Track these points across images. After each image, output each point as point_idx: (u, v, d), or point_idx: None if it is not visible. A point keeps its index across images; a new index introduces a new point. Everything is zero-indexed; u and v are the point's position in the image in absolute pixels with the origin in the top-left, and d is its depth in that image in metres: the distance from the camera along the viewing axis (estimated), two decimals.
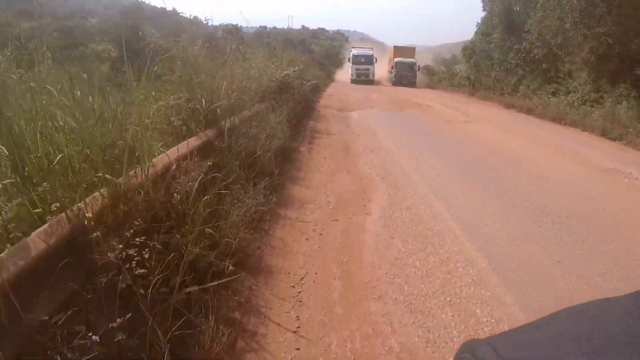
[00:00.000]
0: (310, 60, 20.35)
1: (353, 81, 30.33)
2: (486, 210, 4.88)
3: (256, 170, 4.57)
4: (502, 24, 21.39)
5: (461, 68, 27.29)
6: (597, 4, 12.49)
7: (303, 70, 11.83)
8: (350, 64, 31.59)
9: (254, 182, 4.21)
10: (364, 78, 30.22)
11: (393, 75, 30.38)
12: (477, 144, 8.69)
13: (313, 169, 6.48)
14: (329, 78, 31.07)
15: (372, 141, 8.81)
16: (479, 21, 28.17)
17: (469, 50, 27.85)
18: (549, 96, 15.69)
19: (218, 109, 4.45)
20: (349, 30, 51.90)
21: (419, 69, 30.80)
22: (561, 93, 15.31)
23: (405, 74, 29.77)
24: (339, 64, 40.14)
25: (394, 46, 35.26)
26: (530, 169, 6.84)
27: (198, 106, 4.32)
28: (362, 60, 31.23)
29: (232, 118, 4.63)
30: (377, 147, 8.21)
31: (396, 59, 31.03)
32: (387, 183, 5.82)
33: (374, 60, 31.88)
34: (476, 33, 28.28)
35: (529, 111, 13.71)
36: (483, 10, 25.14)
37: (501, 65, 21.50)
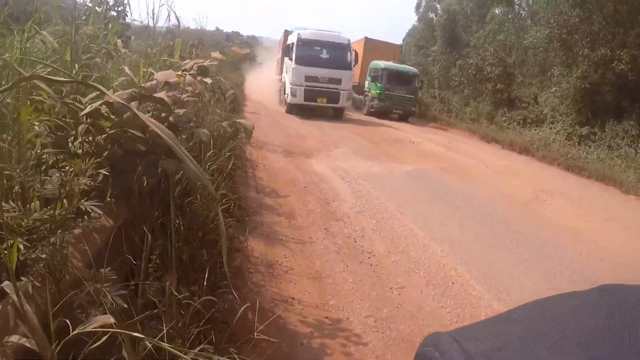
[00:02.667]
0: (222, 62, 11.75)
1: (293, 107, 12.86)
2: None
3: None
4: (444, 36, 19.16)
5: None
6: (594, 20, 10.19)
7: (218, 71, 5.52)
8: (291, 64, 12.72)
9: None
10: (326, 103, 12.88)
11: (375, 95, 15.35)
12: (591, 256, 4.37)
13: None
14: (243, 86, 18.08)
15: None
16: (407, 32, 26.25)
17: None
18: (514, 124, 13.36)
19: None
20: (262, 37, 47.67)
21: (420, 87, 16.38)
22: (530, 122, 13.04)
23: (400, 94, 15.02)
24: (249, 67, 27.44)
25: (365, 38, 18.05)
26: None
27: None
28: (324, 56, 13.03)
29: None
30: None
31: (379, 63, 15.64)
32: None
33: (353, 59, 13.34)
34: (405, 45, 26.19)
35: (525, 151, 10.04)
36: (418, 21, 22.99)
37: (442, 82, 19.24)
